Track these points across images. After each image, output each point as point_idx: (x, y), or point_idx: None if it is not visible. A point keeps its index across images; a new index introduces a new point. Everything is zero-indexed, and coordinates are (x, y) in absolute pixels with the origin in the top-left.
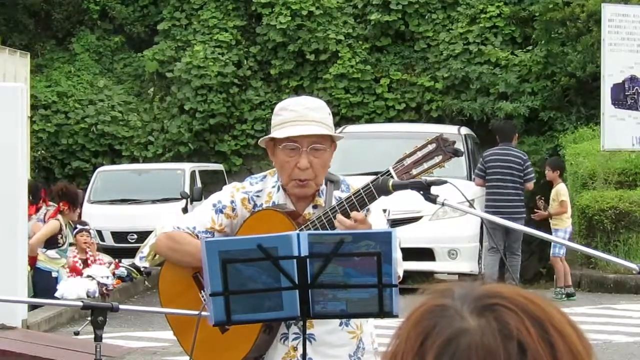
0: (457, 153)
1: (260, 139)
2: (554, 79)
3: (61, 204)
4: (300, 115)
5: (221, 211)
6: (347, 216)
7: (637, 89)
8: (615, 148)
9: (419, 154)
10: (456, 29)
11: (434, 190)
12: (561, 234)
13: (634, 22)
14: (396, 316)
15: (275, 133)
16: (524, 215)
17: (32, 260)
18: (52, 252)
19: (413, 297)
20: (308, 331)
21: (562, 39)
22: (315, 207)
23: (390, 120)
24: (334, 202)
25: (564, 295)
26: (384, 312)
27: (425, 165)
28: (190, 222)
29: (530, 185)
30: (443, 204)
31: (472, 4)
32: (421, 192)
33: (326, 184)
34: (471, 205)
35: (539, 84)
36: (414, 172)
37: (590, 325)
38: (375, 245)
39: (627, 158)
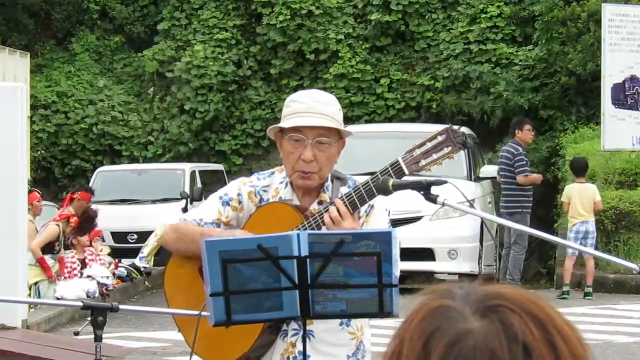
0: (466, 144)
1: (269, 128)
2: (554, 78)
3: (75, 218)
4: (309, 107)
5: (228, 203)
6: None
7: (637, 89)
8: (615, 148)
9: (429, 144)
10: (456, 28)
11: (434, 190)
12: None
13: (634, 22)
14: (396, 316)
15: (283, 123)
16: (520, 210)
17: (46, 267)
18: (47, 257)
19: (413, 297)
20: (307, 328)
21: (563, 39)
22: (320, 203)
23: (390, 119)
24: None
25: (563, 293)
26: (384, 312)
27: (435, 156)
28: (197, 214)
29: (519, 178)
30: (443, 204)
31: (472, 4)
32: (421, 192)
33: (332, 181)
34: (471, 205)
35: (539, 81)
36: (423, 162)
37: (590, 325)
38: (375, 245)
39: (627, 158)
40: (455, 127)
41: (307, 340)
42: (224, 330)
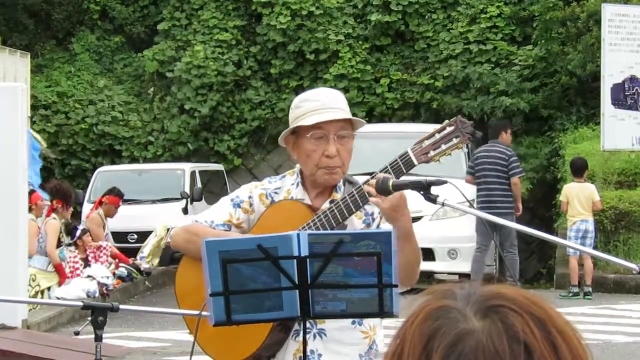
0: (474, 134)
1: (282, 133)
2: (554, 78)
3: (54, 202)
4: (323, 103)
5: (239, 206)
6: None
7: (637, 89)
8: (614, 148)
9: (437, 136)
10: (456, 28)
11: (434, 190)
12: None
13: (634, 22)
14: (396, 316)
15: (302, 122)
16: (512, 211)
17: (62, 273)
18: (67, 249)
19: (413, 297)
20: (319, 326)
21: (562, 39)
22: (332, 202)
23: (390, 119)
24: (345, 194)
25: (571, 294)
26: (384, 312)
27: (443, 147)
28: (209, 216)
29: (514, 179)
30: (443, 204)
31: (472, 4)
32: (421, 192)
33: (344, 184)
34: (471, 205)
35: (539, 81)
36: (432, 153)
37: (590, 325)
38: (375, 245)
39: (627, 158)
40: (463, 118)
41: (319, 339)
42: (234, 329)
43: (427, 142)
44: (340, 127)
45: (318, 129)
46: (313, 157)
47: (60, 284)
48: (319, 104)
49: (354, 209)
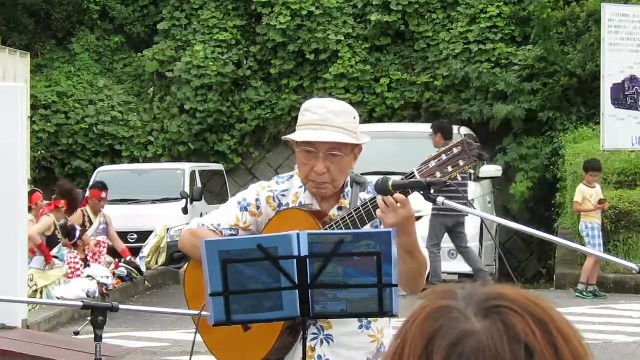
0: (481, 157)
1: (284, 136)
2: (554, 78)
3: (62, 202)
4: (321, 119)
5: (246, 209)
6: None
7: (637, 89)
8: (615, 148)
9: (444, 157)
10: (456, 28)
11: (434, 190)
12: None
13: (634, 22)
14: (396, 316)
15: (295, 135)
16: None
17: (46, 252)
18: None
19: (413, 297)
20: (326, 332)
21: (562, 39)
22: (340, 208)
23: (390, 119)
24: (359, 204)
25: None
26: (384, 312)
27: (450, 169)
28: (215, 219)
29: None
30: (443, 204)
31: (472, 4)
32: (421, 192)
33: (352, 186)
34: (471, 205)
35: (539, 82)
36: (439, 175)
37: (590, 325)
38: (375, 245)
39: (627, 158)
40: (469, 140)
41: (327, 344)
42: (243, 333)
43: (433, 163)
44: (331, 147)
45: (308, 145)
46: (303, 169)
47: (47, 262)
48: (317, 119)
49: (367, 220)
